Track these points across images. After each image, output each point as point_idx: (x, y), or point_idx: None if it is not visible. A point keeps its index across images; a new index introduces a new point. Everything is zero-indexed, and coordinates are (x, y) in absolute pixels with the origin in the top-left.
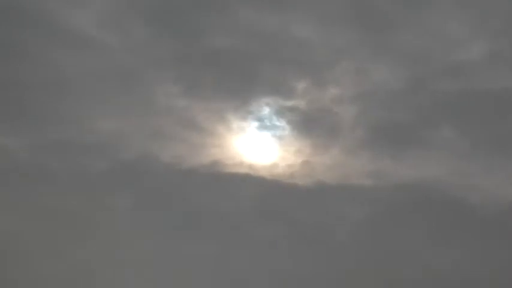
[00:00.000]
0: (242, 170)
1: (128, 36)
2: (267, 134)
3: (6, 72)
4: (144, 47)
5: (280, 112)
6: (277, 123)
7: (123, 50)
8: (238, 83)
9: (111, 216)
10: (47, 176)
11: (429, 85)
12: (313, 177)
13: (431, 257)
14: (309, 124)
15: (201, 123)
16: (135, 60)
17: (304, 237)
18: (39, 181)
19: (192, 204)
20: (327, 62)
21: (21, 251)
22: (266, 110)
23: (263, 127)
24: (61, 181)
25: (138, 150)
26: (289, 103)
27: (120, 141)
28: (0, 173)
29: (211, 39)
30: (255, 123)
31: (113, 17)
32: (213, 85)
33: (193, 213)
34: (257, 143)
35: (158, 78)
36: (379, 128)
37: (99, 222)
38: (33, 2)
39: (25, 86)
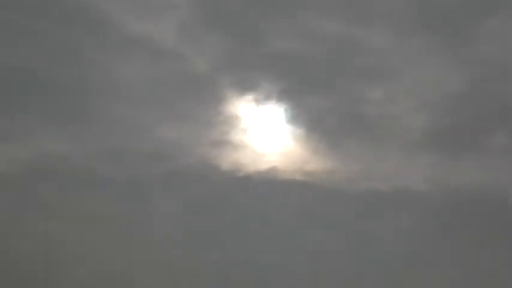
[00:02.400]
0: (298, 177)
1: (194, 43)
2: (327, 141)
3: (65, 79)
4: (209, 54)
5: (341, 120)
6: (338, 131)
7: (186, 57)
8: (304, 90)
9: (161, 222)
10: (100, 182)
11: (488, 89)
12: (370, 184)
13: (487, 263)
14: (368, 131)
15: (264, 131)
16: (199, 67)
17: (356, 243)
18: (91, 187)
19: (244, 211)
20: (390, 69)
21: (68, 255)
22: (328, 118)
23: (324, 135)
24: (114, 187)
25: (196, 158)
26: (352, 110)
27: (179, 149)
28: (54, 178)
29: (282, 46)
30: (316, 131)
31: (181, 25)
32: (279, 93)
33: (244, 220)
34: (316, 150)
35: (223, 86)
36: (437, 133)
37: (149, 228)
38: (98, 10)
39: (85, 93)
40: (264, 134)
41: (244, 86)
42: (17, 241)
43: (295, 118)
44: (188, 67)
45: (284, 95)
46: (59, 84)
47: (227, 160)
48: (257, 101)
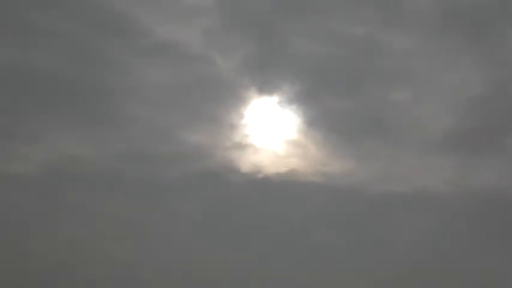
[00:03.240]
0: (317, 179)
1: (219, 47)
2: (346, 143)
3: (89, 81)
4: (233, 57)
5: (360, 122)
6: (357, 133)
7: (211, 60)
8: (324, 92)
9: (181, 223)
10: (121, 184)
11: (509, 91)
12: (389, 186)
13: (507, 265)
14: (388, 133)
15: (284, 133)
16: (223, 70)
17: (374, 245)
18: (111, 189)
19: (263, 212)
20: (411, 71)
21: (86, 256)
22: (347, 120)
23: (343, 137)
24: (134, 189)
25: (217, 160)
26: (371, 112)
27: (201, 151)
28: (74, 180)
29: (305, 49)
30: (336, 133)
31: (207, 29)
32: (300, 95)
33: (262, 221)
34: (336, 152)
35: (246, 89)
36: (457, 134)
37: (168, 230)
38: (125, 14)
39: (108, 96)
40: (284, 136)
41: (267, 89)
42: (35, 242)
43: (315, 120)
44: (212, 70)
45: (305, 97)
46: (83, 87)
47: (247, 162)
48: (279, 104)
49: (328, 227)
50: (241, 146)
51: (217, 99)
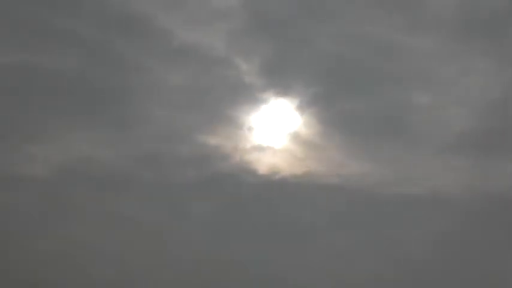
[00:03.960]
0: (334, 181)
1: (240, 51)
2: (363, 145)
3: (106, 82)
4: (253, 61)
5: (377, 124)
6: (374, 135)
7: (231, 63)
8: (342, 94)
9: (192, 225)
10: (137, 186)
11: None
12: (405, 188)
13: None
14: (404, 135)
15: (305, 136)
16: (243, 73)
17: (390, 247)
18: (124, 190)
19: (279, 214)
20: (429, 73)
21: (98, 257)
22: (364, 122)
23: (360, 139)
24: (147, 191)
25: (235, 162)
26: (388, 115)
27: (219, 153)
28: (88, 181)
29: (327, 51)
30: (353, 135)
31: (230, 33)
32: (319, 98)
33: (275, 223)
34: (352, 154)
35: (265, 91)
36: (474, 136)
37: (178, 231)
38: (149, 18)
39: (128, 98)
40: (301, 138)
41: (285, 91)
42: (47, 243)
43: (332, 122)
44: (231, 73)
45: (322, 99)
46: (102, 88)
47: (264, 164)
48: (296, 106)
49: (343, 229)
50: (259, 148)
51: (236, 101)
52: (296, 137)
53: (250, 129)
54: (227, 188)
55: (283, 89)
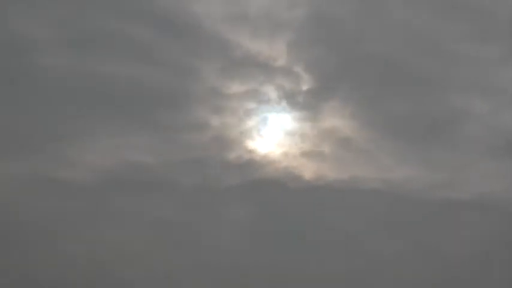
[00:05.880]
0: (379, 186)
1: (301, 60)
2: (410, 149)
3: (162, 88)
4: (312, 70)
5: (425, 126)
6: (421, 138)
7: (291, 73)
8: (390, 96)
9: (232, 230)
10: (176, 191)
11: None
12: (453, 192)
13: None
14: (452, 138)
15: (353, 141)
16: (301, 82)
17: (436, 253)
18: (166, 196)
19: (318, 220)
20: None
21: (139, 262)
22: (412, 125)
23: (407, 142)
24: (188, 196)
25: (282, 167)
26: (435, 117)
27: (266, 159)
28: (132, 187)
29: (382, 55)
30: (401, 139)
31: (291, 43)
32: (367, 102)
33: (317, 229)
34: (399, 158)
35: (315, 98)
36: None
37: (218, 236)
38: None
39: (175, 103)
40: (349, 143)
41: (336, 97)
42: (87, 248)
43: (380, 126)
44: (287, 81)
45: (371, 103)
46: (157, 93)
47: (311, 169)
48: (349, 112)
49: (389, 234)
50: (306, 154)
51: (289, 108)
52: (344, 142)
53: (299, 135)
54: (270, 194)
55: (332, 94)
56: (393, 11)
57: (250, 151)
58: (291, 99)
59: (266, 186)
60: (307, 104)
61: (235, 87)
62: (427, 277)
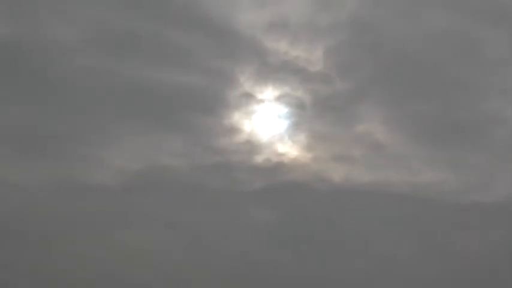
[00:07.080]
0: (407, 189)
1: (338, 66)
2: (440, 153)
3: (193, 94)
4: (350, 76)
5: (454, 129)
6: (451, 141)
7: (328, 79)
8: (422, 100)
9: (254, 232)
10: (202, 194)
11: None
12: (482, 195)
13: None
14: (482, 141)
15: (384, 145)
16: (338, 88)
17: (463, 259)
18: (191, 199)
19: (344, 223)
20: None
21: (161, 262)
22: (440, 128)
23: (437, 146)
24: (213, 199)
25: (311, 170)
26: (464, 119)
27: (295, 163)
28: (159, 188)
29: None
30: (430, 142)
31: (328, 49)
32: (396, 105)
33: (342, 232)
34: (428, 161)
35: (351, 102)
36: None
37: (241, 239)
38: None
39: (212, 108)
40: (380, 146)
41: (365, 100)
42: (112, 251)
43: (409, 129)
44: (323, 86)
45: (400, 106)
46: (188, 99)
47: (340, 173)
48: (383, 118)
49: (418, 238)
50: (336, 157)
51: (330, 116)
52: (375, 146)
53: (330, 139)
54: (297, 197)
55: (365, 98)
56: (431, 15)
57: (280, 155)
58: (323, 103)
59: (294, 189)
60: (338, 108)
61: (269, 92)
62: (456, 279)
